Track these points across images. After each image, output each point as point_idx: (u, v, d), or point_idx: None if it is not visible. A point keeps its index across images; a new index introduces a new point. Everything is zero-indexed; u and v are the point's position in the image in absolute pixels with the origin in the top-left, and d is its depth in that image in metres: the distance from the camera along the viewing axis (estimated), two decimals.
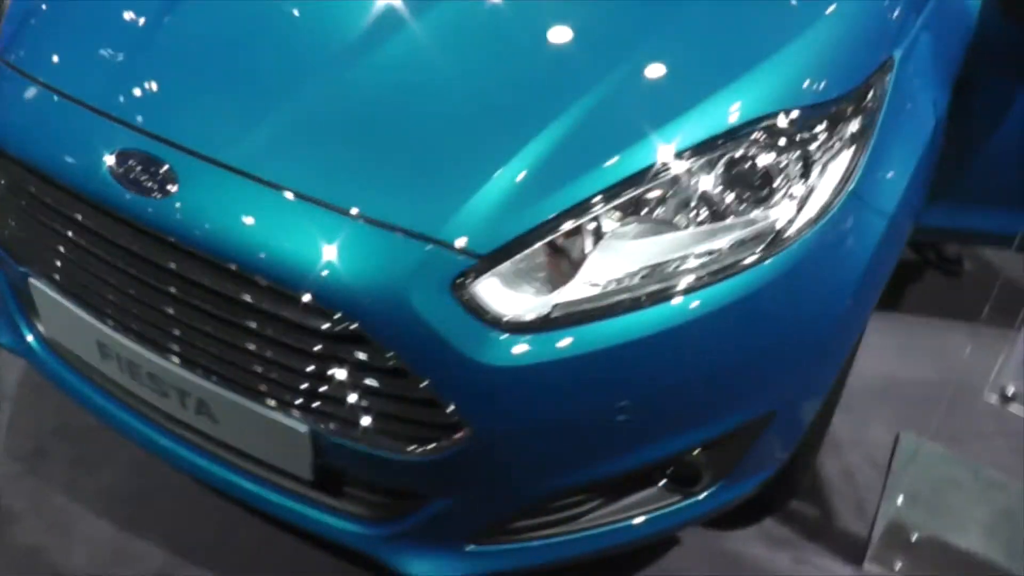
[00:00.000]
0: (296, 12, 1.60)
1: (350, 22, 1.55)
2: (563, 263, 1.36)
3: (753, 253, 1.40)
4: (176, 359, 1.49)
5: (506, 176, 1.35)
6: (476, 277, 1.33)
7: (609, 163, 1.37)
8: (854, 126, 1.53)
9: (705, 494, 1.61)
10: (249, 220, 1.35)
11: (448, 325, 1.31)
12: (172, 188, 1.38)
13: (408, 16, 1.55)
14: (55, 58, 1.60)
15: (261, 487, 1.58)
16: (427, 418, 1.36)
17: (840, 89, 1.52)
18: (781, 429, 1.63)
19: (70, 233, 1.50)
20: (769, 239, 1.41)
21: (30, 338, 1.79)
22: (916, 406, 2.38)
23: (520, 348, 1.33)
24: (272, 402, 1.44)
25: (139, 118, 1.45)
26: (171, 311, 1.45)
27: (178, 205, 1.37)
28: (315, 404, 1.41)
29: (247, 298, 1.35)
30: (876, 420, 2.35)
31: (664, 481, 1.59)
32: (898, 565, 1.95)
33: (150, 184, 1.39)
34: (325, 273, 1.31)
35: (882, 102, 1.60)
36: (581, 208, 1.35)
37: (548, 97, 1.43)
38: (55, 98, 1.53)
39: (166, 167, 1.39)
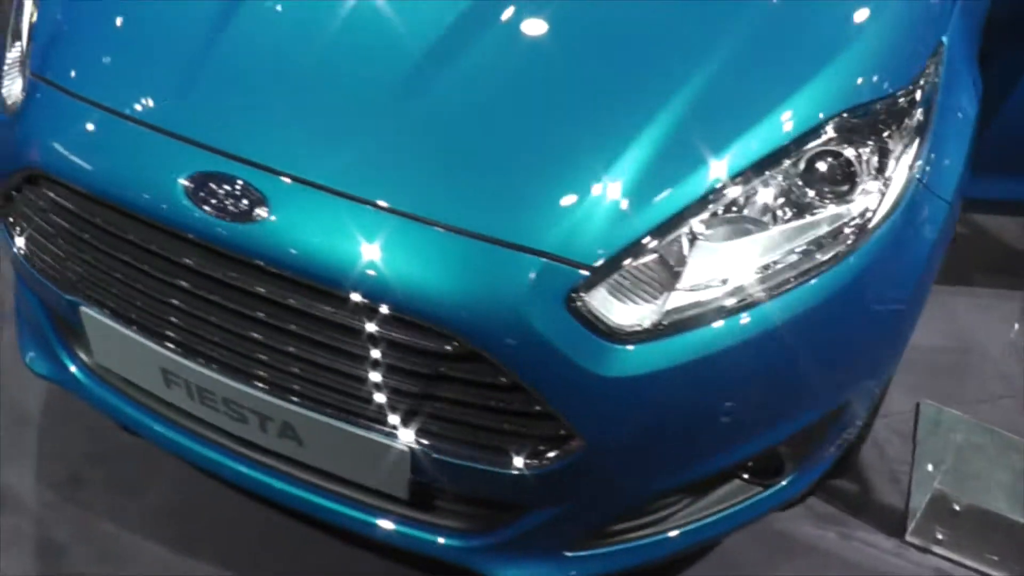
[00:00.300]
0: (369, 21, 1.54)
1: (430, 28, 1.50)
2: (666, 270, 1.36)
3: (839, 247, 1.42)
4: (260, 384, 1.44)
5: (609, 186, 1.34)
6: (589, 289, 1.31)
7: (704, 168, 1.36)
8: (919, 115, 1.56)
9: (785, 482, 1.65)
10: (351, 241, 1.30)
11: (564, 339, 1.29)
12: (262, 211, 1.32)
13: (489, 24, 1.50)
14: (107, 75, 1.51)
15: (346, 506, 1.55)
16: (538, 431, 1.35)
17: (905, 79, 1.54)
18: (853, 412, 1.66)
19: (135, 261, 1.43)
20: (853, 233, 1.43)
21: (73, 368, 1.71)
22: (929, 373, 2.45)
23: (634, 358, 1.32)
24: (370, 422, 1.40)
25: (216, 139, 1.38)
26: (257, 336, 1.39)
27: (271, 228, 1.32)
28: (420, 423, 1.38)
29: (353, 321, 1.31)
30: (895, 389, 2.42)
31: (747, 475, 1.61)
32: (939, 535, 2.03)
33: (235, 208, 1.33)
34: (437, 293, 1.28)
35: (937, 88, 1.63)
36: (681, 215, 1.35)
37: (637, 105, 1.41)
38: (115, 120, 1.44)
39: (252, 189, 1.34)
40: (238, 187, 1.34)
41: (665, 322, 1.34)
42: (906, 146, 1.52)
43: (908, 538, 2.06)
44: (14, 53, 1.64)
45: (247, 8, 1.54)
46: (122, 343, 1.54)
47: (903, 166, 1.51)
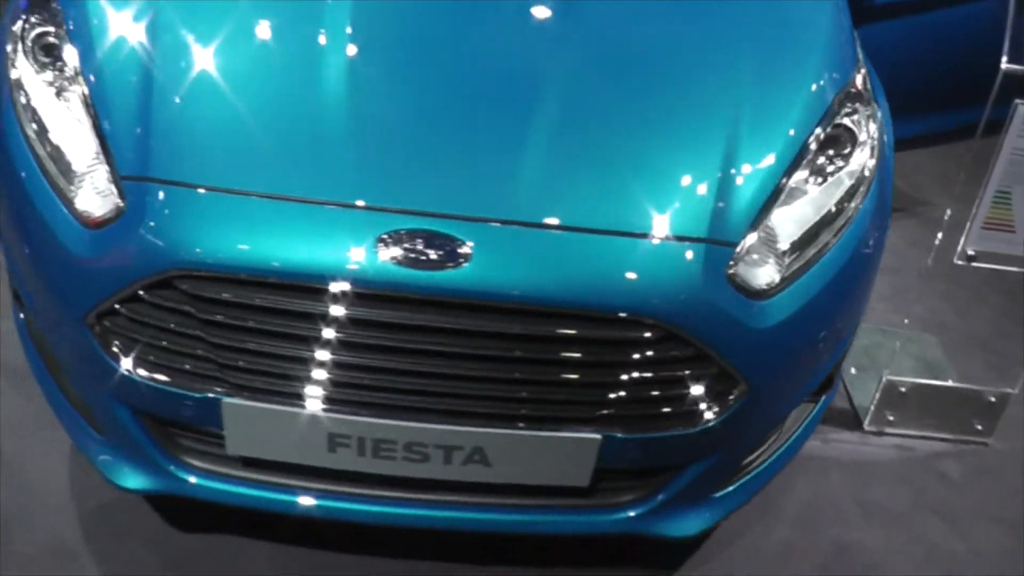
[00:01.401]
0: (475, 63, 1.66)
1: (533, 64, 1.66)
2: (773, 236, 1.63)
3: (858, 198, 1.76)
4: (451, 417, 1.51)
5: (729, 180, 1.59)
6: (737, 262, 1.55)
7: (780, 154, 1.66)
8: (868, 82, 1.96)
9: (824, 398, 1.98)
10: (550, 262, 1.45)
11: (730, 305, 1.53)
12: (465, 253, 1.43)
13: (581, 58, 1.70)
14: (238, 160, 1.50)
15: (529, 513, 1.65)
16: (715, 387, 1.56)
17: (853, 61, 1.93)
18: (852, 337, 2.03)
19: (308, 331, 1.45)
20: (862, 183, 1.79)
21: (185, 473, 1.64)
22: None
23: (774, 309, 1.58)
24: (562, 424, 1.53)
25: (394, 199, 1.47)
26: (448, 371, 1.47)
27: (472, 269, 1.43)
28: (614, 410, 1.53)
29: (561, 331, 1.45)
30: None
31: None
32: (890, 418, 2.48)
33: (437, 257, 1.42)
34: (633, 289, 1.46)
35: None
36: (775, 194, 1.63)
37: (714, 116, 1.67)
38: (272, 203, 1.45)
39: (445, 237, 1.44)
40: (432, 239, 1.43)
41: (786, 275, 1.61)
42: (871, 111, 1.90)
43: (867, 428, 2.49)
44: (81, 164, 1.55)
45: (358, 67, 1.61)
46: (275, 424, 1.53)
47: (873, 126, 1.89)
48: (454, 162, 1.53)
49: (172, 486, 1.66)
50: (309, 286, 1.43)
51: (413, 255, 1.42)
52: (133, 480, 1.67)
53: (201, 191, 1.47)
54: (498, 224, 1.47)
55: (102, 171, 1.54)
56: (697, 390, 1.56)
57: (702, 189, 1.58)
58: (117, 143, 1.54)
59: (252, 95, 1.58)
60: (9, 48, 1.73)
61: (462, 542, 1.99)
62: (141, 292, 1.46)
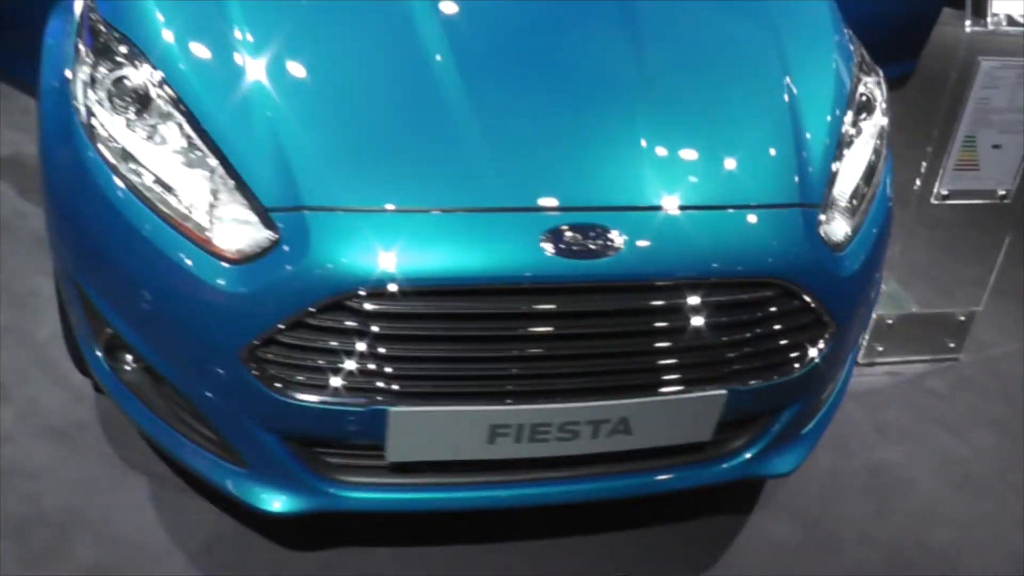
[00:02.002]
0: (573, 59, 1.82)
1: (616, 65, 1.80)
2: (841, 192, 1.84)
3: (883, 150, 2.00)
4: (600, 394, 1.64)
5: (804, 151, 1.80)
6: (822, 222, 1.75)
7: (835, 122, 1.87)
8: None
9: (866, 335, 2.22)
10: (688, 240, 1.62)
11: (824, 259, 1.73)
12: (617, 240, 1.56)
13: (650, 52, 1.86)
14: (389, 182, 1.58)
15: (662, 472, 1.81)
16: (814, 332, 1.75)
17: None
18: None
19: (480, 332, 1.55)
20: (884, 138, 2.02)
21: (339, 490, 1.70)
22: None
23: (850, 258, 1.79)
24: (693, 385, 1.69)
25: (550, 199, 1.58)
26: (603, 350, 1.60)
27: (630, 254, 1.57)
28: (736, 367, 1.70)
29: (697, 300, 1.60)
30: None
31: None
32: (879, 349, 2.76)
33: (596, 247, 1.55)
34: (757, 254, 1.64)
35: None
36: (836, 155, 1.84)
37: (770, 87, 1.87)
38: (437, 216, 1.56)
39: (601, 229, 1.57)
40: (588, 231, 1.56)
41: (854, 227, 1.82)
42: (879, 77, 2.13)
43: (860, 361, 2.77)
44: (206, 203, 1.57)
45: (469, 77, 1.70)
46: (440, 425, 1.61)
47: (881, 90, 2.12)
48: (583, 158, 1.66)
49: (325, 503, 1.71)
50: (478, 288, 1.52)
51: (576, 247, 1.54)
52: (284, 504, 1.71)
53: (361, 213, 1.54)
54: (639, 211, 1.61)
55: (237, 206, 1.57)
56: (801, 337, 1.75)
57: (786, 159, 1.77)
58: (252, 176, 1.57)
59: (375, 114, 1.66)
60: (80, 103, 1.71)
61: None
62: (308, 318, 1.51)
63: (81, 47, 1.77)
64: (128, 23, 1.74)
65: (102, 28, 1.75)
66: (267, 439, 1.64)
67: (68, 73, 1.78)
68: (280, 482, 1.70)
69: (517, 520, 2.06)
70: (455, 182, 1.59)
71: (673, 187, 1.66)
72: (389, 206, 1.55)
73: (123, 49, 1.71)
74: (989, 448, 2.53)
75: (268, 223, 1.55)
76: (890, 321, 2.72)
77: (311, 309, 1.51)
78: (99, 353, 1.83)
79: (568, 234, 1.55)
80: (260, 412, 1.60)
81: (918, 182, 2.55)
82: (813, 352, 1.77)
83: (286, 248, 1.53)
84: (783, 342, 1.73)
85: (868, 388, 2.70)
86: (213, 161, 1.59)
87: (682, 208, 1.64)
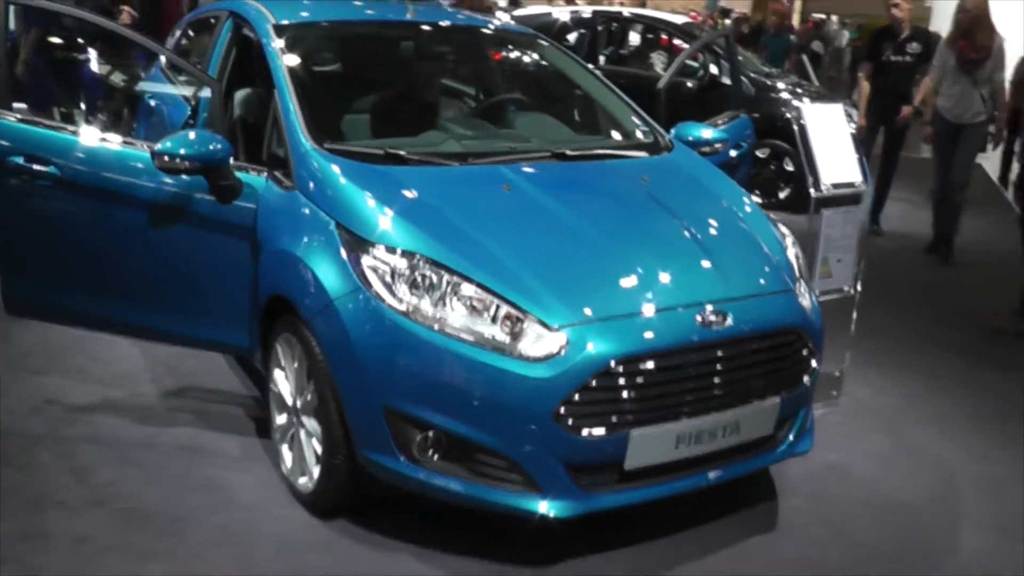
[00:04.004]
0: (636, 209, 3.38)
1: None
2: (798, 281, 3.34)
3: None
4: (731, 407, 2.94)
5: (783, 256, 3.33)
6: (800, 296, 3.22)
7: (780, 241, 3.42)
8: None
9: None
10: (755, 314, 3.03)
11: (808, 315, 3.21)
12: (729, 319, 2.91)
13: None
14: (607, 297, 2.89)
15: (750, 460, 3.13)
16: (809, 358, 3.18)
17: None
18: None
19: (674, 377, 2.81)
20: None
21: (596, 497, 2.85)
22: None
23: (815, 313, 3.27)
24: (767, 396, 3.03)
25: (687, 298, 2.92)
26: (722, 381, 2.91)
27: (736, 324, 2.93)
28: (786, 382, 3.07)
29: (765, 344, 2.98)
30: None
31: None
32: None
33: (718, 321, 2.89)
34: (790, 318, 3.10)
35: None
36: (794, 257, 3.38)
37: (751, 228, 3.40)
38: (644, 319, 2.86)
39: (719, 312, 2.93)
40: (715, 315, 2.90)
41: (809, 298, 3.31)
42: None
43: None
44: (504, 332, 2.77)
45: (606, 227, 3.13)
46: (658, 438, 2.82)
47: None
48: (683, 268, 3.06)
49: (590, 505, 2.84)
50: (674, 349, 2.82)
51: (713, 319, 2.89)
52: (568, 511, 2.82)
53: (608, 320, 2.81)
54: (732, 302, 2.99)
55: (533, 327, 2.77)
56: (806, 360, 3.18)
57: (780, 264, 3.27)
58: (540, 309, 2.79)
59: (577, 259, 3.00)
60: (379, 290, 2.85)
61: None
62: (588, 384, 2.71)
63: (370, 266, 2.91)
64: (394, 237, 2.95)
65: (383, 255, 2.92)
66: (558, 469, 2.78)
67: (364, 277, 2.90)
68: (563, 497, 2.82)
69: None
70: (644, 292, 2.92)
71: (739, 287, 3.08)
72: (618, 312, 2.84)
73: (400, 255, 2.90)
74: (875, 449, 4.03)
75: (555, 334, 2.76)
76: None
77: (591, 380, 2.72)
78: (402, 458, 2.87)
79: (710, 317, 2.91)
80: (558, 451, 2.75)
81: None
82: (812, 369, 3.19)
83: (570, 347, 2.75)
84: (800, 364, 3.14)
85: None
86: (502, 303, 2.80)
87: (748, 297, 3.07)
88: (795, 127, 4.11)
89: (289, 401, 3.26)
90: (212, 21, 4.94)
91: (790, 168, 7.65)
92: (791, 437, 3.23)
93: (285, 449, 3.34)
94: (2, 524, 3.13)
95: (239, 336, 3.56)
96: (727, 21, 19.73)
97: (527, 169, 3.46)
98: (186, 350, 4.25)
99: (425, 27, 4.53)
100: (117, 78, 5.76)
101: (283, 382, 3.30)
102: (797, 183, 7.45)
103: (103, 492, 3.33)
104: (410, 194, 3.15)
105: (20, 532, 3.09)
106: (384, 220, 3.01)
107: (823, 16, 22.02)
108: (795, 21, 21.09)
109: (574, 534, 3.06)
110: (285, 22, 3.93)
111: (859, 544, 3.26)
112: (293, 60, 3.73)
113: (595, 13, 8.60)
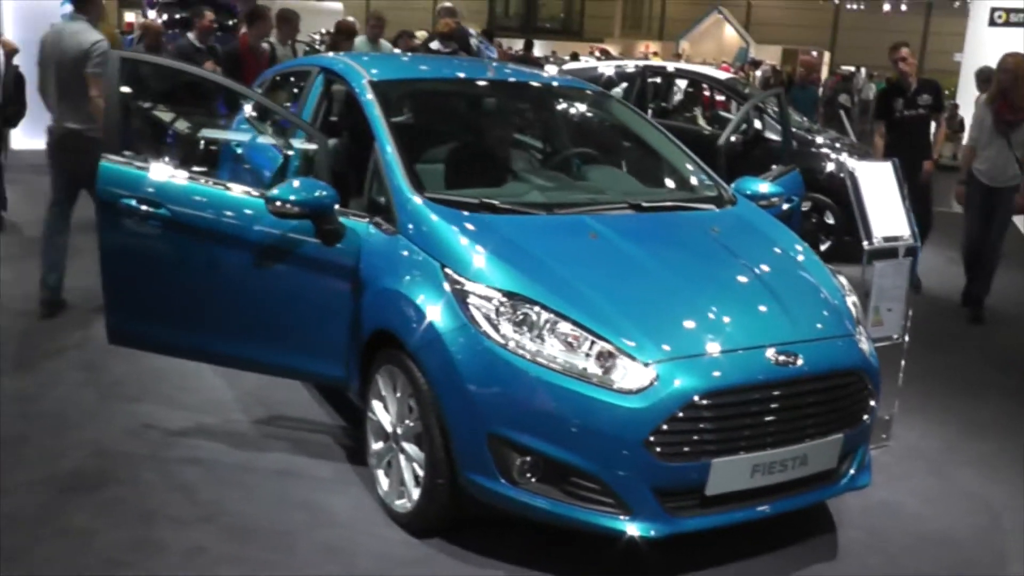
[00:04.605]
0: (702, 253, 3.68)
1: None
2: (858, 326, 3.61)
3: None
4: (798, 442, 3.19)
5: (843, 303, 3.61)
6: (860, 340, 3.49)
7: (839, 290, 3.71)
8: None
9: None
10: (824, 353, 3.30)
11: (867, 358, 3.48)
12: (800, 360, 3.18)
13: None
14: (685, 336, 3.18)
15: (813, 493, 3.38)
16: (868, 398, 3.44)
17: None
18: None
19: (750, 411, 3.09)
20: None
21: (679, 520, 3.10)
22: None
23: (873, 357, 3.52)
24: (831, 432, 3.29)
25: (760, 340, 3.19)
26: (792, 416, 3.18)
27: (806, 364, 3.21)
28: (849, 419, 3.33)
29: (830, 384, 3.26)
30: None
31: None
32: None
33: (791, 361, 3.16)
34: (851, 360, 3.35)
35: None
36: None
37: (811, 274, 3.68)
38: (730, 354, 3.15)
39: (791, 353, 3.19)
40: (787, 355, 3.18)
41: (868, 341, 3.57)
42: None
43: None
44: (599, 367, 3.05)
45: (684, 275, 3.48)
46: (736, 467, 3.08)
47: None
48: (757, 312, 3.35)
49: (675, 528, 3.10)
50: (751, 386, 3.10)
51: (786, 359, 3.16)
52: (656, 532, 3.07)
53: (691, 358, 3.09)
54: (801, 342, 3.27)
55: (623, 363, 3.05)
56: (865, 400, 3.44)
57: (841, 310, 3.56)
58: (631, 346, 3.08)
59: (657, 297, 3.31)
60: (483, 326, 3.15)
61: None
62: (676, 415, 2.98)
63: (474, 304, 3.21)
64: (495, 278, 3.26)
65: (484, 293, 3.22)
66: (647, 494, 3.04)
67: (469, 314, 3.19)
68: (651, 520, 3.07)
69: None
70: (723, 333, 3.21)
71: (807, 331, 3.36)
72: (700, 351, 3.12)
73: (504, 299, 3.20)
74: (924, 489, 4.25)
75: (645, 369, 3.05)
76: None
77: (678, 412, 3.00)
78: (502, 480, 3.14)
79: (782, 357, 3.18)
80: (648, 476, 3.01)
81: None
82: (871, 408, 3.45)
83: (659, 381, 3.03)
84: (860, 403, 3.40)
85: None
86: (596, 340, 3.09)
87: (816, 340, 3.34)
88: (848, 183, 4.40)
89: (388, 428, 3.54)
90: (296, 77, 5.31)
91: (830, 221, 7.92)
92: (852, 471, 3.47)
93: (381, 474, 3.61)
94: (115, 532, 3.42)
95: (336, 367, 3.85)
96: (758, 73, 20.23)
97: (608, 219, 3.77)
98: (272, 381, 4.56)
99: (506, 84, 4.88)
100: (191, 126, 6.16)
101: (382, 411, 3.59)
102: (838, 235, 7.73)
103: (210, 508, 3.61)
104: (506, 239, 3.46)
105: (133, 541, 3.38)
106: (486, 263, 3.32)
107: (851, 69, 22.49)
108: (823, 73, 21.58)
109: (653, 559, 3.31)
110: (379, 79, 4.28)
111: (914, 574, 3.50)
112: (390, 114, 4.06)
113: (644, 68, 8.96)
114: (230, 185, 3.97)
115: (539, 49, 21.58)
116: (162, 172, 3.95)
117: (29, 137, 9.82)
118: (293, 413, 4.49)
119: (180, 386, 4.73)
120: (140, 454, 4.03)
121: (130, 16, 23.65)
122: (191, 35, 8.66)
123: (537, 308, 3.15)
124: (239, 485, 3.79)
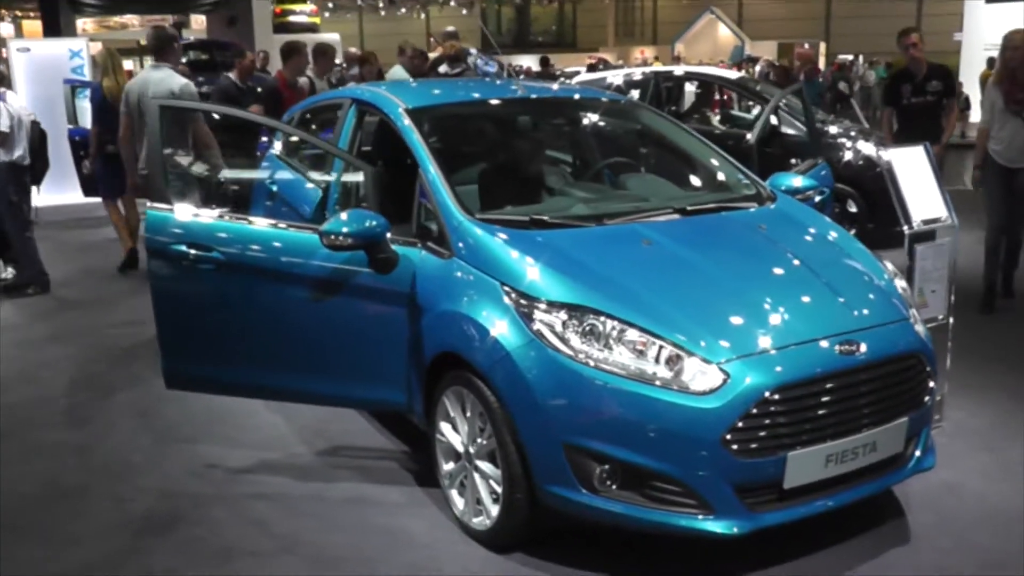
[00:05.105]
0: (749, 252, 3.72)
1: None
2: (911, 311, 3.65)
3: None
4: (866, 429, 3.24)
5: (891, 285, 3.66)
6: (915, 322, 3.55)
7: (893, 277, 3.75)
8: None
9: None
10: (886, 339, 3.36)
11: (924, 341, 3.53)
12: (863, 347, 3.24)
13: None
14: (750, 335, 3.22)
15: (885, 478, 3.43)
16: (928, 381, 3.49)
17: None
18: None
19: (820, 402, 3.14)
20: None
21: (759, 515, 3.15)
22: None
23: (929, 339, 3.57)
24: (899, 415, 3.34)
25: (820, 332, 3.25)
26: (859, 404, 3.22)
27: (869, 352, 3.26)
28: (909, 403, 3.39)
29: (894, 368, 3.31)
30: None
31: None
32: None
33: (854, 350, 3.22)
34: (910, 344, 3.41)
35: None
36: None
37: (857, 261, 3.73)
38: (793, 348, 3.20)
39: (854, 342, 3.25)
40: (850, 344, 3.23)
41: (923, 325, 3.62)
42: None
43: None
44: (667, 369, 3.10)
45: (734, 273, 3.52)
46: (811, 459, 3.13)
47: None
48: (816, 304, 3.42)
49: (757, 523, 3.14)
50: (818, 377, 3.15)
51: (849, 348, 3.22)
52: (738, 529, 3.12)
53: (760, 355, 3.15)
54: (862, 330, 3.32)
55: (693, 365, 3.10)
56: (926, 383, 3.49)
57: (893, 295, 3.63)
58: (699, 347, 3.14)
59: (726, 299, 3.37)
60: (551, 340, 3.21)
61: None
62: (751, 412, 3.03)
63: (540, 319, 3.27)
64: (558, 292, 3.32)
65: (544, 308, 3.29)
66: (728, 492, 3.09)
67: (535, 330, 3.25)
68: (734, 517, 3.12)
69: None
70: (786, 327, 3.27)
71: (867, 318, 3.42)
72: (766, 347, 3.18)
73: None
74: (980, 466, 4.28)
75: (715, 369, 3.10)
76: None
77: (751, 408, 3.05)
78: (582, 489, 3.18)
79: (846, 346, 3.24)
80: (727, 474, 3.06)
81: None
82: (931, 389, 3.50)
83: (731, 380, 3.09)
84: (921, 385, 3.46)
85: None
86: (665, 344, 3.15)
87: (876, 326, 3.39)
88: (884, 171, 4.46)
89: (460, 448, 3.60)
90: (325, 110, 5.40)
91: (853, 210, 7.98)
92: (917, 454, 3.52)
93: (455, 493, 3.67)
94: (196, 569, 3.49)
95: (397, 393, 3.91)
96: (756, 68, 20.32)
97: (658, 225, 3.84)
98: (328, 414, 4.63)
99: (538, 101, 4.96)
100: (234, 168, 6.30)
101: (451, 432, 3.65)
102: (861, 224, 7.77)
103: (287, 540, 3.67)
104: (562, 253, 3.52)
105: None
106: (546, 277, 3.38)
107: (849, 57, 22.61)
108: (820, 65, 21.68)
109: (734, 555, 3.36)
110: (414, 106, 4.36)
111: (987, 553, 3.53)
112: (431, 140, 4.14)
113: (655, 74, 9.05)
114: (279, 223, 4.05)
115: (535, 63, 21.72)
116: (209, 216, 4.03)
117: (50, 192, 9.96)
118: (355, 443, 4.55)
119: (236, 425, 4.80)
120: (206, 493, 4.09)
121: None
122: (231, 75, 8.48)
123: (603, 318, 3.21)
124: (313, 515, 3.85)
